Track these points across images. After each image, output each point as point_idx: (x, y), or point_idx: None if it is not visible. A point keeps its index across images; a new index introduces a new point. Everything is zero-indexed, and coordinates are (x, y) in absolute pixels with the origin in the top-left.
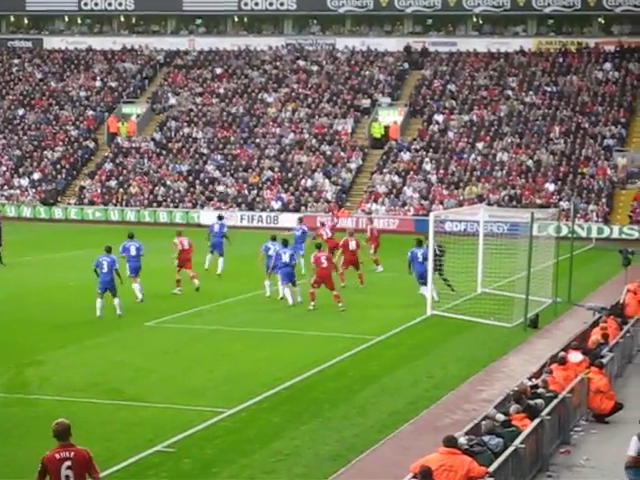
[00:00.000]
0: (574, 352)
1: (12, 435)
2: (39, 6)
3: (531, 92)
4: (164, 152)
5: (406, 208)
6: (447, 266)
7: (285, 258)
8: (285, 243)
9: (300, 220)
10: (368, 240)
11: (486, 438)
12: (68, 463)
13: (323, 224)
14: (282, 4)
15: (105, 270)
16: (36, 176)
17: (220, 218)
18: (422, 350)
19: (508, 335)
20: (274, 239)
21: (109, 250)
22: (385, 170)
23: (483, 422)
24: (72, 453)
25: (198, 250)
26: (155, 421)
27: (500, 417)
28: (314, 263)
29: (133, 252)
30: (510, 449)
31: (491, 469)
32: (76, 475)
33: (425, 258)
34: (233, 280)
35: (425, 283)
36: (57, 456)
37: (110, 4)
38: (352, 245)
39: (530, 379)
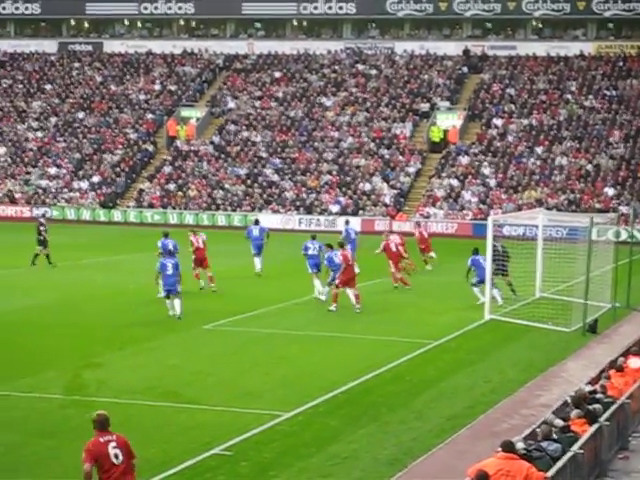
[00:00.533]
0: (634, 358)
1: (69, 437)
2: (99, 10)
3: (590, 96)
4: (223, 155)
5: (464, 212)
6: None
7: (337, 260)
8: (341, 245)
9: (347, 222)
10: (418, 243)
11: (544, 444)
12: (113, 444)
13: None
14: (341, 8)
15: (170, 272)
16: (96, 179)
17: (257, 222)
18: (480, 354)
19: (566, 340)
20: (314, 238)
21: (170, 252)
22: (444, 174)
23: (540, 427)
24: (114, 436)
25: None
26: (212, 424)
27: (559, 422)
28: (342, 262)
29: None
30: (568, 455)
31: (549, 474)
32: (124, 453)
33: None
34: (289, 283)
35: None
36: (101, 439)
37: (170, 8)
38: (393, 246)
39: (588, 384)
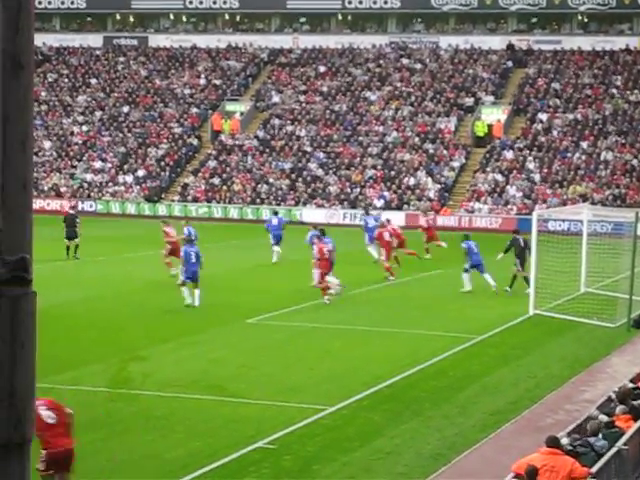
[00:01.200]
0: None
1: (115, 430)
2: (144, 4)
3: (636, 91)
4: (267, 150)
5: (509, 207)
6: (549, 265)
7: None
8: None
9: (366, 212)
10: (425, 230)
11: (592, 439)
12: (43, 407)
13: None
14: (386, 2)
15: (193, 260)
16: (140, 173)
17: (276, 213)
18: (524, 350)
19: (611, 335)
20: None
21: (191, 241)
22: (488, 169)
23: (589, 423)
24: (42, 400)
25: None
26: (256, 418)
27: (603, 418)
28: (317, 253)
29: (193, 259)
30: (613, 450)
31: (594, 470)
32: (56, 414)
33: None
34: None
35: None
36: None
37: (215, 2)
38: (386, 236)
39: (632, 380)
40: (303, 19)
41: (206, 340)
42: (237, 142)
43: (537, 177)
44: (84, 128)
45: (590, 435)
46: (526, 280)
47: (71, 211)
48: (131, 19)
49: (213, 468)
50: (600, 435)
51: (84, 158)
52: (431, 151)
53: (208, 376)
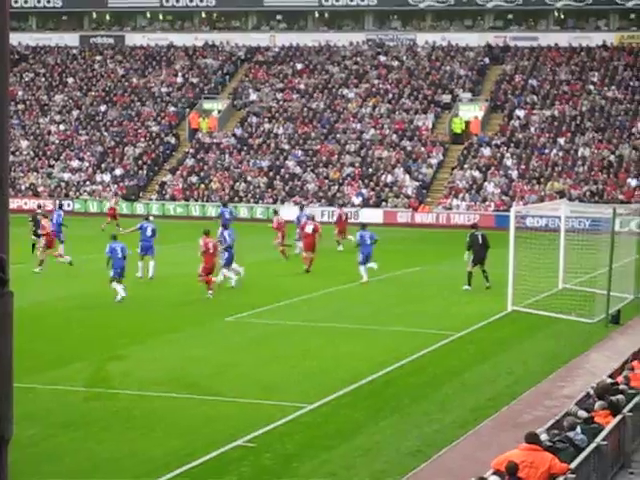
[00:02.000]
0: None
1: (93, 429)
2: (121, 3)
3: (613, 87)
4: (245, 148)
5: (487, 204)
6: (527, 261)
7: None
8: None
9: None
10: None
11: (571, 434)
12: None
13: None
14: (363, 0)
15: (119, 255)
16: (118, 172)
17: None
18: (503, 346)
19: (589, 331)
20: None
21: (115, 237)
22: (466, 165)
23: (566, 418)
24: None
25: (264, 247)
26: (236, 416)
27: (582, 414)
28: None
29: (119, 254)
30: (592, 446)
31: (572, 466)
32: None
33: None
34: (311, 275)
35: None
36: None
37: (191, 0)
38: (308, 229)
39: (611, 376)
40: (280, 17)
41: (185, 338)
42: (215, 140)
43: (515, 174)
44: (61, 127)
45: (568, 430)
46: (469, 278)
47: (38, 210)
48: (108, 18)
49: (193, 467)
50: (579, 429)
51: (61, 157)
52: (409, 148)
53: (187, 374)
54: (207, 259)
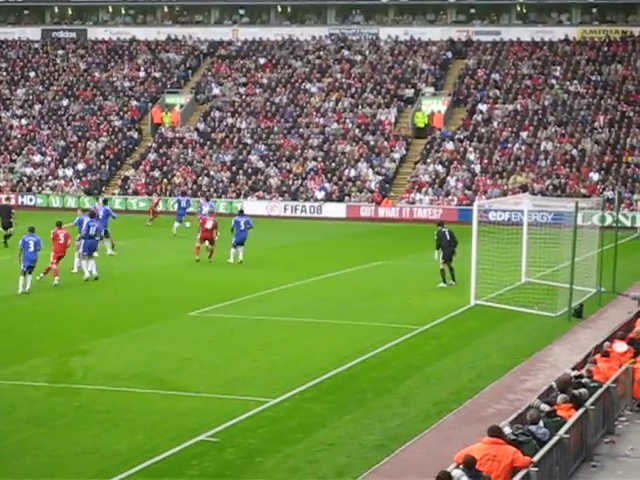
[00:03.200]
0: (619, 342)
1: (56, 425)
2: None
3: (575, 81)
4: (208, 142)
5: (450, 198)
6: (490, 255)
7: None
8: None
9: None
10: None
11: (533, 428)
12: None
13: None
14: None
15: (31, 249)
16: (80, 166)
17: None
18: (465, 340)
19: (552, 325)
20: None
21: (33, 230)
22: (429, 160)
23: (529, 412)
24: None
25: (228, 241)
26: (198, 411)
27: (545, 407)
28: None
29: (31, 247)
30: (554, 439)
31: (535, 459)
32: None
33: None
34: (274, 270)
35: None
36: None
37: None
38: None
39: (574, 369)
40: (242, 11)
41: (148, 333)
42: (177, 135)
43: (477, 168)
44: (23, 122)
45: (530, 424)
46: (443, 275)
47: (5, 202)
48: (69, 12)
49: (155, 462)
50: (541, 423)
51: (23, 152)
52: (372, 142)
53: (150, 369)
54: (57, 248)
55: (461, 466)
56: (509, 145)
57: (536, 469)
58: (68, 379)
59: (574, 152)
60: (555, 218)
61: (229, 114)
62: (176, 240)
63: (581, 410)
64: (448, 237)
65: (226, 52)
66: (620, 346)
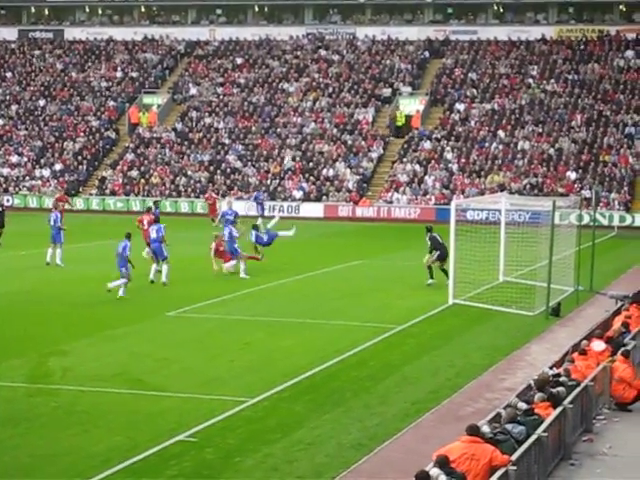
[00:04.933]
0: (597, 341)
1: (35, 425)
2: None
3: (552, 80)
4: (185, 142)
5: (427, 197)
6: (468, 255)
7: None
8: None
9: (230, 204)
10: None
11: (509, 426)
12: None
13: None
14: None
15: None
16: (58, 167)
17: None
18: (444, 339)
19: (530, 324)
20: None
21: (129, 236)
22: (406, 159)
23: (505, 410)
24: None
25: (205, 241)
26: (177, 411)
27: (522, 406)
28: None
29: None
30: (533, 437)
31: (513, 457)
32: None
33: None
34: (252, 269)
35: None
36: None
37: None
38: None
39: (552, 368)
40: (219, 11)
41: (127, 334)
42: (155, 135)
43: (455, 167)
44: (0, 122)
45: (507, 422)
46: (430, 272)
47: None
48: (46, 12)
49: (134, 462)
50: (517, 422)
51: (0, 152)
52: (349, 142)
53: (129, 370)
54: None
55: (435, 465)
56: (486, 144)
57: (514, 468)
58: (47, 379)
59: (551, 151)
60: (532, 217)
61: (206, 114)
62: None
63: (559, 409)
64: (441, 240)
65: (203, 52)
66: (598, 345)
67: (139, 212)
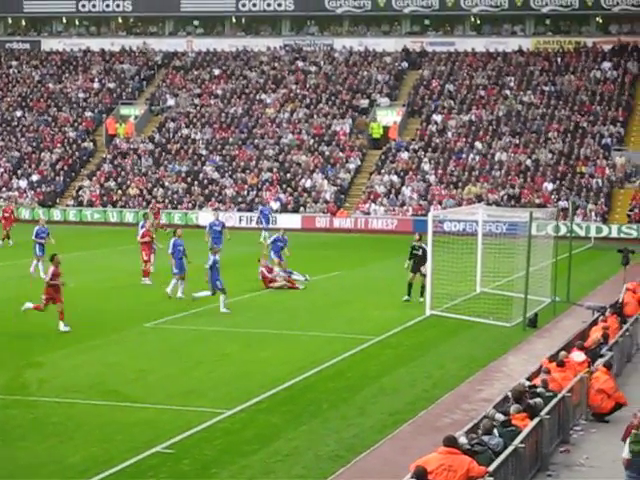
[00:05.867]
0: (577, 351)
1: (11, 437)
2: (37, 8)
3: (529, 91)
4: (163, 153)
5: (405, 208)
6: (445, 266)
7: None
8: None
9: (217, 215)
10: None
11: (486, 438)
12: None
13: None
14: (280, 5)
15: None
16: (34, 178)
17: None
18: (421, 350)
19: (507, 335)
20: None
21: (215, 252)
22: (384, 170)
23: (482, 422)
24: None
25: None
26: (154, 422)
27: (499, 417)
28: None
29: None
30: (510, 448)
31: (491, 468)
32: None
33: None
34: (230, 281)
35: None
36: None
37: (108, 5)
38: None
39: (528, 379)
40: (197, 22)
41: (103, 345)
42: (132, 146)
43: (432, 178)
44: None
45: (484, 434)
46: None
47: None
48: (23, 23)
49: (111, 473)
50: (496, 432)
51: None
52: (327, 153)
53: (105, 381)
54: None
55: (413, 476)
56: (464, 155)
57: (491, 479)
58: (23, 391)
59: (528, 162)
60: (510, 228)
61: (184, 125)
62: (130, 252)
63: (536, 420)
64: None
65: (181, 63)
66: (578, 355)
67: (116, 224)
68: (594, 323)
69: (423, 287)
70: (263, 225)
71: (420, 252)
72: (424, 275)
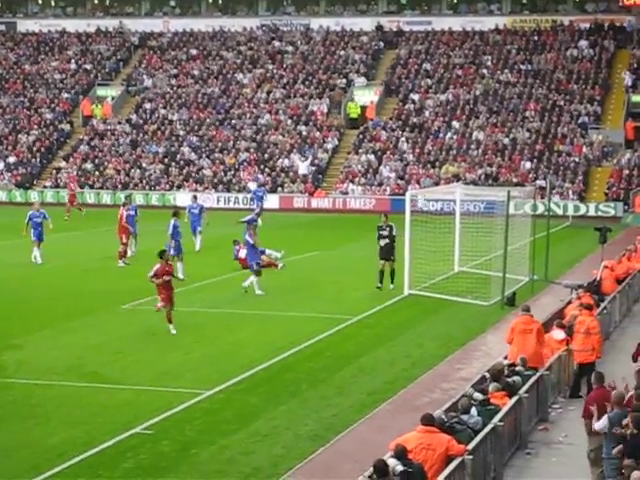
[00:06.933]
0: (557, 330)
1: None
2: None
3: (506, 70)
4: (140, 134)
5: (382, 188)
6: (423, 245)
7: None
8: None
9: (195, 198)
10: None
11: (465, 417)
12: None
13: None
14: None
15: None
16: (11, 160)
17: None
18: (399, 330)
19: (485, 313)
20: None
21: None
22: (361, 150)
23: (460, 401)
24: None
25: (159, 234)
26: (133, 404)
27: (478, 396)
28: None
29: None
30: (489, 427)
31: (470, 447)
32: None
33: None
34: (207, 262)
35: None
36: None
37: None
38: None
39: (506, 357)
40: (173, 2)
41: (81, 327)
42: (109, 127)
43: (410, 157)
44: None
45: (462, 412)
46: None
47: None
48: None
49: (90, 455)
50: (474, 411)
51: None
52: (304, 133)
53: (84, 363)
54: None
55: (393, 455)
56: (441, 135)
57: (471, 457)
58: (1, 373)
59: (506, 141)
60: (487, 207)
61: (161, 106)
62: (107, 234)
63: (515, 398)
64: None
65: (157, 43)
66: (558, 333)
67: (93, 205)
68: (570, 302)
69: (393, 272)
70: (257, 206)
71: (387, 231)
72: (393, 260)
